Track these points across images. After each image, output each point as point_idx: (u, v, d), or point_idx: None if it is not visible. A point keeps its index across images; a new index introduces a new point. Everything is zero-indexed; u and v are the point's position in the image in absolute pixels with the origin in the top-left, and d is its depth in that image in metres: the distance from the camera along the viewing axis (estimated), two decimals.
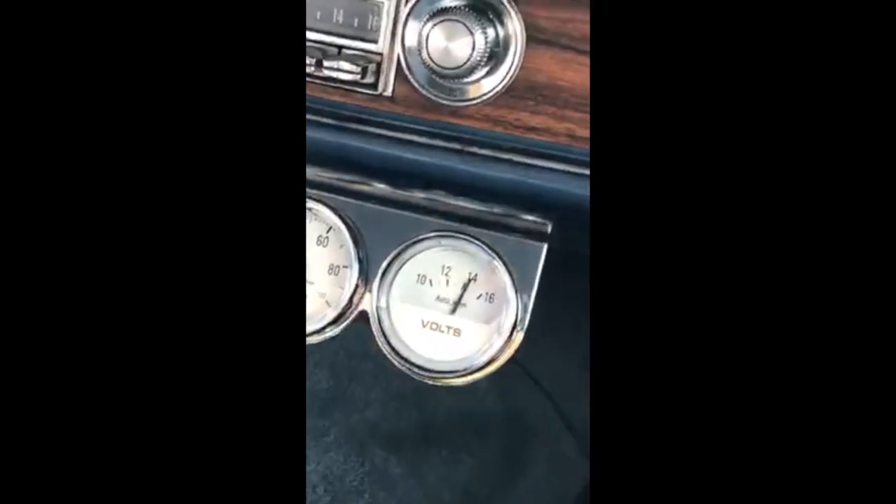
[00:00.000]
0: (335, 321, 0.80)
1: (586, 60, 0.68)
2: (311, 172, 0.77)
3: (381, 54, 0.71)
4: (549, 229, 0.77)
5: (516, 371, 1.19)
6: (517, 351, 0.79)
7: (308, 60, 0.71)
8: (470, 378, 0.80)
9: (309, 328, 0.81)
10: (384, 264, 0.79)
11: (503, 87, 0.70)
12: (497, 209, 0.75)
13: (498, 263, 0.77)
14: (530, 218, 0.75)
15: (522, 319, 0.78)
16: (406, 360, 0.80)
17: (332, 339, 0.82)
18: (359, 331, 0.81)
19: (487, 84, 0.70)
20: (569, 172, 0.71)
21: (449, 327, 0.80)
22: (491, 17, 0.68)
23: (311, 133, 0.74)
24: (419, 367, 0.80)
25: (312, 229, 0.81)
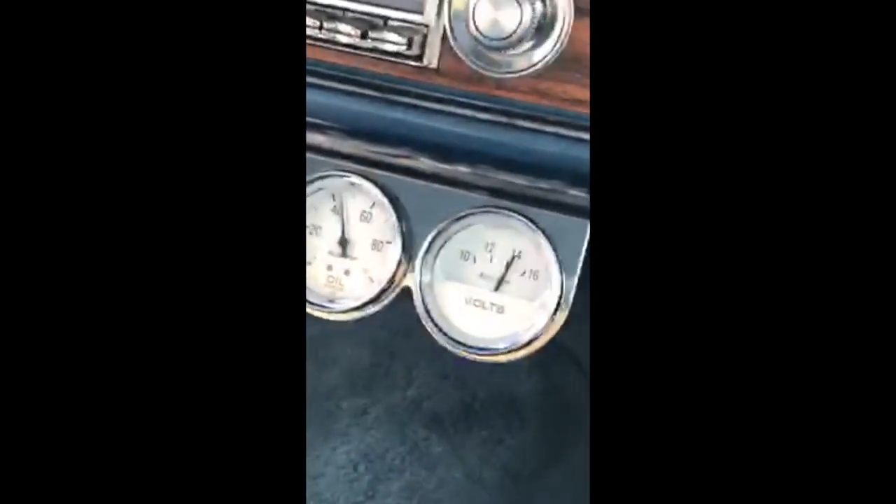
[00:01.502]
0: (378, 297, 0.81)
1: None
2: (355, 146, 0.77)
3: (427, 25, 0.71)
4: None
5: (559, 350, 1.18)
6: (560, 330, 0.79)
7: (353, 31, 0.72)
8: (512, 356, 0.80)
9: (351, 304, 0.82)
10: (428, 240, 0.79)
11: (550, 59, 0.69)
12: (542, 184, 0.75)
13: (542, 240, 0.77)
14: (576, 193, 0.74)
15: (566, 298, 0.77)
16: (449, 336, 0.80)
17: (374, 315, 0.82)
18: (401, 308, 0.81)
19: (534, 56, 0.70)
20: None
21: (492, 304, 0.80)
22: None
23: (354, 105, 0.74)
24: (462, 344, 0.80)
25: (356, 205, 0.81)
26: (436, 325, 0.80)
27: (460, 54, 0.71)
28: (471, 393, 1.21)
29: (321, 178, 0.80)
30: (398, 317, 0.82)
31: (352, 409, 1.21)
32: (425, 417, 1.22)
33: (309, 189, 0.81)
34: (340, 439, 1.16)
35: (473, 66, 0.71)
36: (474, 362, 0.81)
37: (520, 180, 0.75)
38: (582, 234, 0.76)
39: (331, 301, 0.82)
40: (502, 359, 0.80)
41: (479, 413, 1.21)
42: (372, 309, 0.81)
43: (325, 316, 0.83)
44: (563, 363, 1.19)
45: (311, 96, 0.73)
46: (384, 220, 0.80)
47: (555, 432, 1.20)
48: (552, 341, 0.79)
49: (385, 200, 0.79)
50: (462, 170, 0.76)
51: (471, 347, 0.80)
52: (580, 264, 0.77)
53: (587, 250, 0.77)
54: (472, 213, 0.78)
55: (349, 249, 0.82)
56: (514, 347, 0.79)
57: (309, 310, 0.83)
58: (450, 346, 0.80)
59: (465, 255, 0.80)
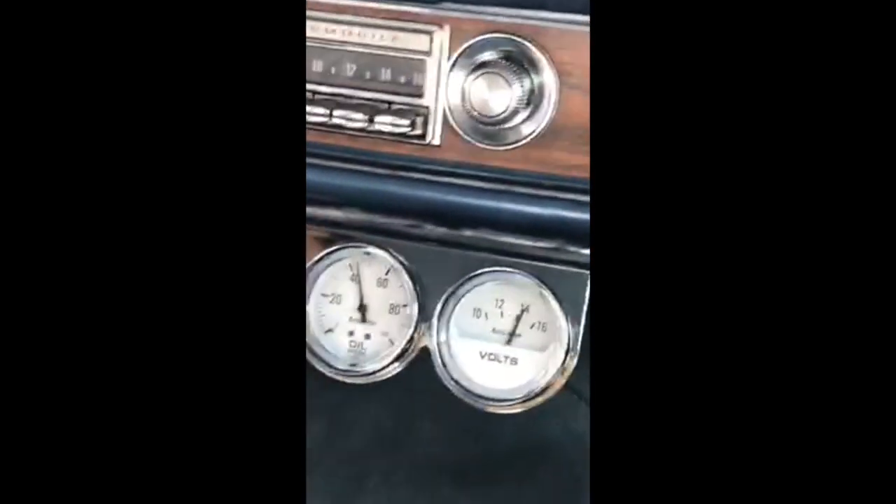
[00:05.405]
0: (398, 358, 0.84)
1: None
2: (367, 218, 0.81)
3: (427, 107, 0.76)
4: None
5: (574, 395, 1.20)
6: (572, 375, 0.82)
7: (361, 117, 0.76)
8: (529, 404, 0.82)
9: (374, 366, 0.84)
10: (441, 301, 0.82)
11: (541, 130, 0.73)
12: (543, 243, 0.78)
13: (547, 293, 0.80)
14: (574, 249, 0.77)
15: (574, 345, 0.81)
16: (468, 391, 0.83)
17: (396, 376, 0.85)
18: (421, 367, 0.84)
19: (527, 128, 0.73)
20: None
21: (506, 357, 0.83)
22: (526, 66, 0.72)
23: (366, 182, 0.78)
24: (480, 397, 0.83)
25: (372, 272, 0.85)
26: (455, 380, 0.83)
27: (459, 131, 0.75)
28: (493, 444, 1.22)
29: (339, 249, 0.84)
30: (418, 376, 0.85)
31: (380, 469, 1.22)
32: (451, 473, 1.22)
33: (328, 260, 0.84)
34: (371, 498, 1.17)
35: (472, 141, 0.75)
36: (495, 414, 0.84)
37: (522, 241, 0.78)
38: (583, 284, 0.80)
39: (353, 365, 0.85)
40: (520, 408, 0.83)
41: (502, 464, 1.22)
42: (393, 370, 0.84)
43: (348, 380, 0.86)
44: (579, 407, 1.21)
45: (327, 177, 0.78)
46: (399, 285, 0.83)
47: (578, 476, 1.21)
48: (566, 387, 0.82)
49: (399, 266, 0.82)
50: (468, 234, 0.80)
51: (490, 400, 0.82)
52: (584, 312, 0.80)
53: (590, 299, 0.80)
54: (481, 273, 0.81)
55: (368, 314, 0.85)
56: (530, 396, 0.82)
57: (333, 375, 0.85)
58: (469, 400, 0.83)
59: (477, 313, 0.83)
